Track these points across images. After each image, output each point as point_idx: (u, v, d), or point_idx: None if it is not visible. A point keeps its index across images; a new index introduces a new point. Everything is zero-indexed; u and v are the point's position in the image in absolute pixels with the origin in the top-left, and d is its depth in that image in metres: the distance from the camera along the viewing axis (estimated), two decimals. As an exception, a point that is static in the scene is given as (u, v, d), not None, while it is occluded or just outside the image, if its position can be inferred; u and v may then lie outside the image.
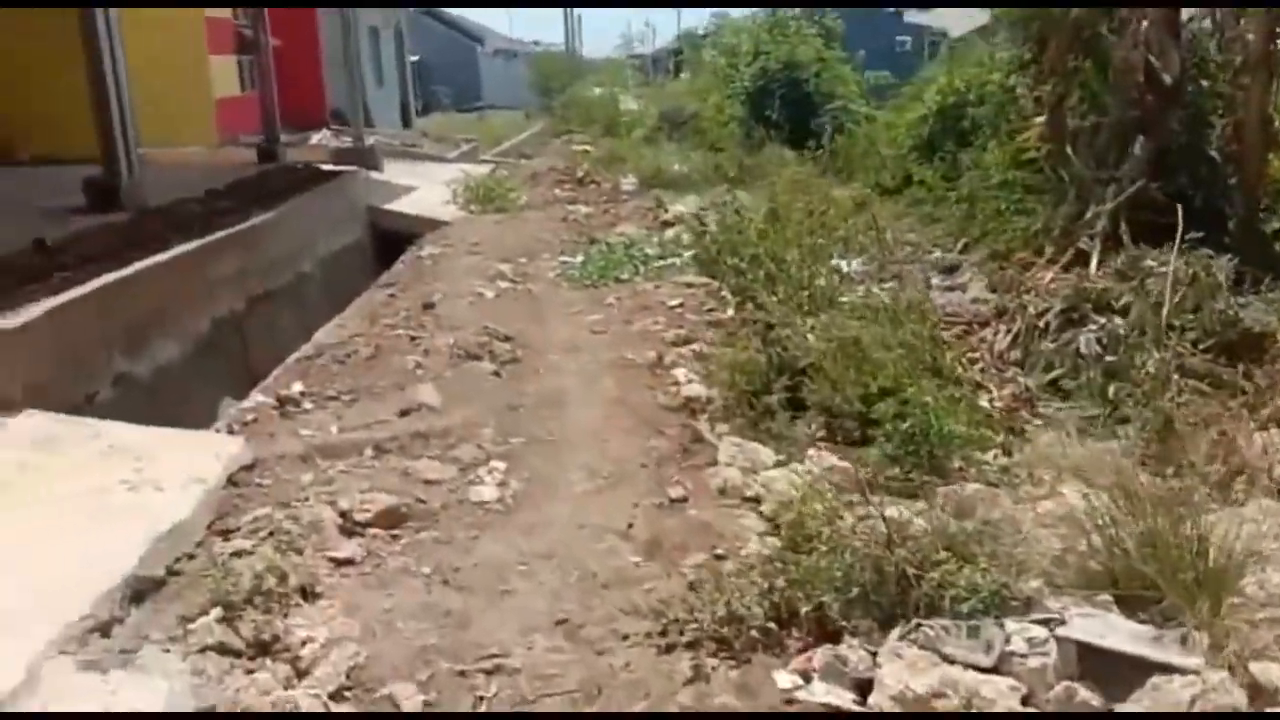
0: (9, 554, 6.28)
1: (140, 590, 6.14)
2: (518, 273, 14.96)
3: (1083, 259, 11.60)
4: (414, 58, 47.67)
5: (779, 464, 8.18)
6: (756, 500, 7.68)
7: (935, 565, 5.58)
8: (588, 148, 28.16)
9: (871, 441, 8.42)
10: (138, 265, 10.18)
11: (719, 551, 6.90)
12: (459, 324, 12.03)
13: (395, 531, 7.30)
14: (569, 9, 57.56)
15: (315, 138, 26.37)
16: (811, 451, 8.25)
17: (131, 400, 9.63)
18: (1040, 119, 13.87)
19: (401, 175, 22.31)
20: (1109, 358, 8.93)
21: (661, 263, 15.46)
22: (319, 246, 15.60)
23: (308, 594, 6.39)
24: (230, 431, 8.91)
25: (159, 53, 23.34)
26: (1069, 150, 12.68)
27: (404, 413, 9.20)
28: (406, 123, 36.62)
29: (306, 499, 7.52)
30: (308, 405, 9.51)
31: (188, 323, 10.96)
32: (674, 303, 13.17)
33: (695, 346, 11.28)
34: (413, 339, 11.00)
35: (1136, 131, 11.98)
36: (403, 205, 19.46)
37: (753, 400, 9.16)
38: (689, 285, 14.10)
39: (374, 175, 21.14)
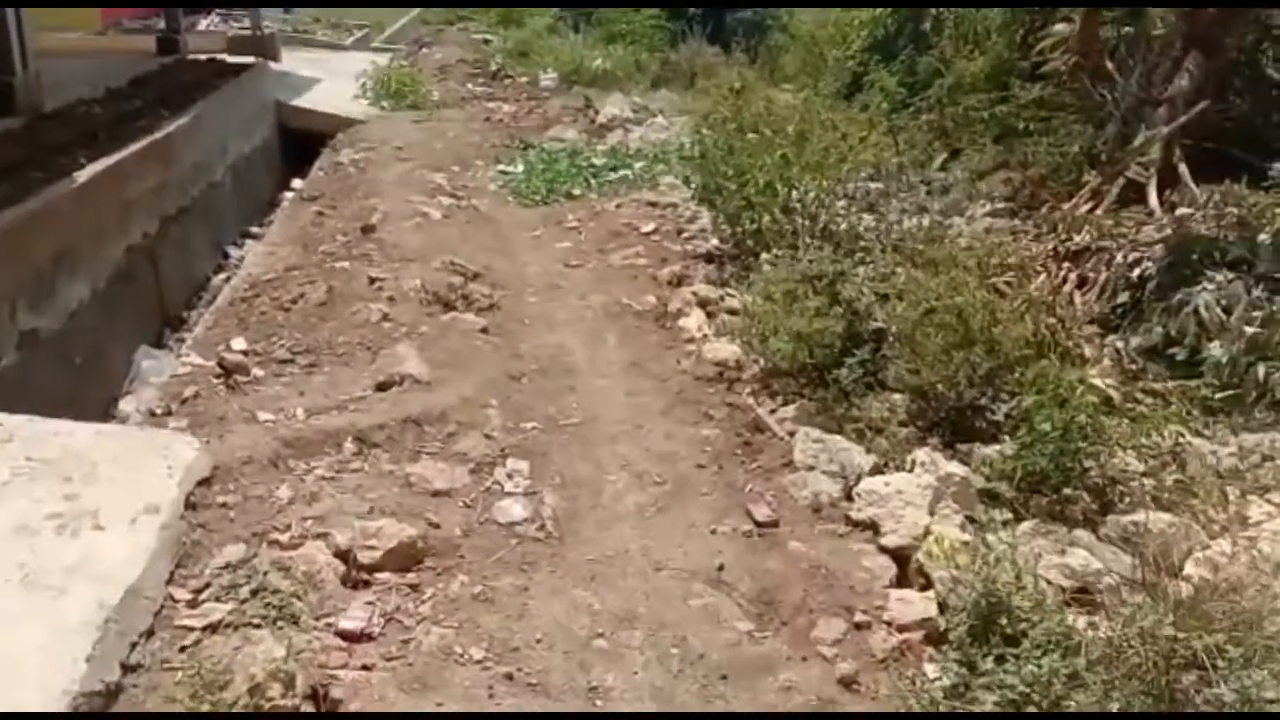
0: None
1: (90, 712, 4.01)
2: (456, 185, 12.66)
3: (1132, 193, 9.72)
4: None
5: (877, 469, 6.26)
6: (871, 527, 5.76)
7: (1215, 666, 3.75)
8: (489, 37, 25.46)
9: (978, 434, 6.54)
10: (48, 194, 7.75)
11: (859, 618, 5.02)
12: (409, 253, 9.83)
13: (413, 578, 5.26)
14: None
15: (203, 23, 23.20)
16: (920, 454, 6.27)
17: (40, 362, 7.37)
18: (1059, 26, 11.86)
19: (301, 66, 19.54)
20: (1249, 328, 7.02)
21: (613, 175, 13.31)
22: (230, 151, 13.08)
23: (322, 701, 4.32)
24: (168, 412, 6.69)
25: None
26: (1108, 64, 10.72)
27: (382, 386, 7.08)
28: (287, 6, 33.26)
29: (289, 528, 5.40)
30: (258, 372, 7.31)
31: (100, 255, 8.62)
32: (647, 228, 11.11)
33: (695, 289, 9.24)
34: (373, 282, 8.72)
35: (1190, 46, 10.05)
36: (311, 101, 16.80)
37: (815, 372, 7.15)
38: (652, 204, 12.02)
39: (273, 66, 18.42)
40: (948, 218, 10.99)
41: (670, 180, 13.01)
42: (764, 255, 9.81)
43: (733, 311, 8.88)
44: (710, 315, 8.87)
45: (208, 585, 4.86)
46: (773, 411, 7.08)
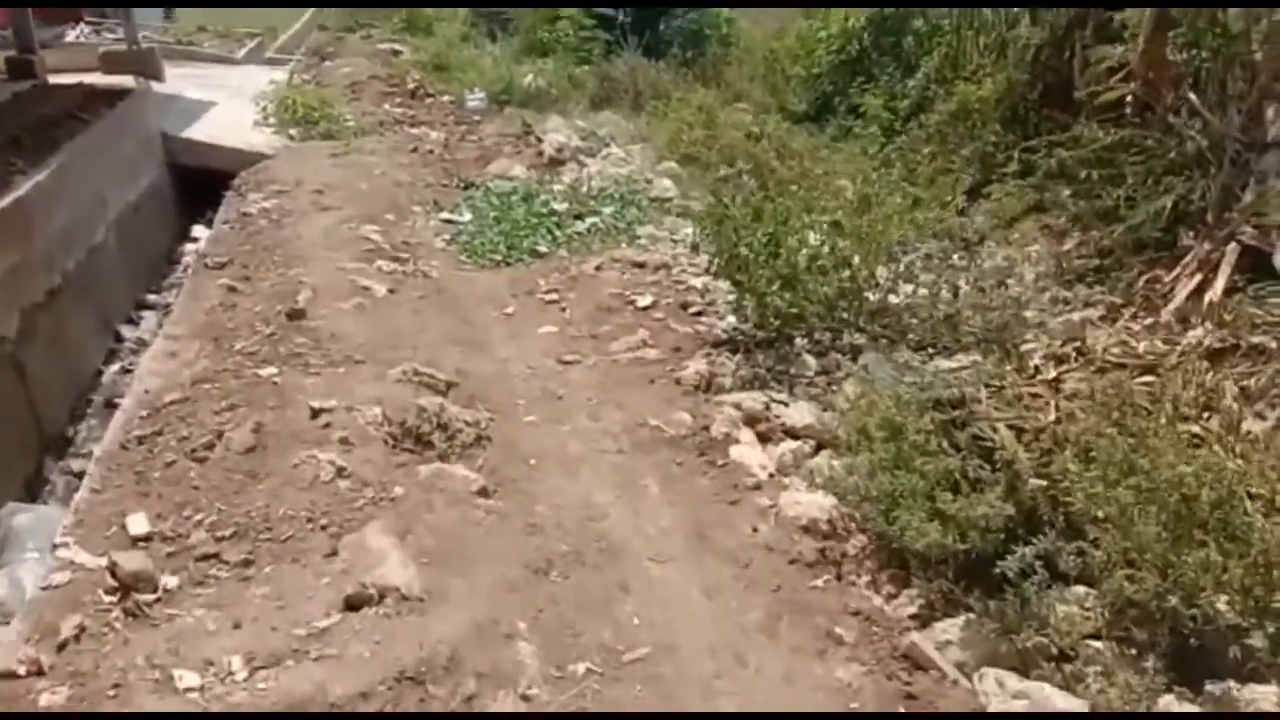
0: None
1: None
2: (395, 243, 10.34)
3: (1248, 261, 7.80)
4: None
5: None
6: None
7: None
8: (398, 48, 22.89)
9: (1226, 665, 4.52)
10: None
11: None
12: (354, 350, 7.58)
13: None
14: None
15: (71, 35, 20.27)
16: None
17: None
18: (1106, 47, 9.94)
19: (188, 85, 16.95)
20: None
21: (581, 225, 11.11)
22: (111, 203, 10.44)
23: None
24: (38, 671, 4.40)
25: None
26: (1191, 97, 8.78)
27: (354, 603, 4.79)
28: (168, 12, 30.36)
29: None
30: (169, 580, 5.01)
31: None
32: (644, 301, 8.96)
33: (735, 398, 7.12)
34: (316, 415, 6.36)
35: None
36: (205, 132, 14.15)
37: (968, 557, 5.07)
38: (639, 265, 9.89)
39: (155, 87, 15.78)
40: (1000, 284, 9.02)
41: (650, 231, 10.93)
42: (800, 341, 7.91)
43: (793, 434, 6.82)
44: (764, 438, 6.79)
45: None
46: (918, 621, 4.97)
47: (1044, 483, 5.26)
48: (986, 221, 11.28)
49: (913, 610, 5.08)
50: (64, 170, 8.97)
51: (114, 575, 4.87)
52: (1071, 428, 5.51)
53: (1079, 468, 5.12)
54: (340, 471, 5.78)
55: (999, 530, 5.03)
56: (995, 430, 5.52)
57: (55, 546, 5.25)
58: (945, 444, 5.44)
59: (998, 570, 4.92)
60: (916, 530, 5.10)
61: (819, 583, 5.25)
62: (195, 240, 12.45)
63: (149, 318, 10.19)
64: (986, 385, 6.28)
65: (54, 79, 14.05)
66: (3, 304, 7.30)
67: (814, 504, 5.82)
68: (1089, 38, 11.17)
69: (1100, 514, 4.86)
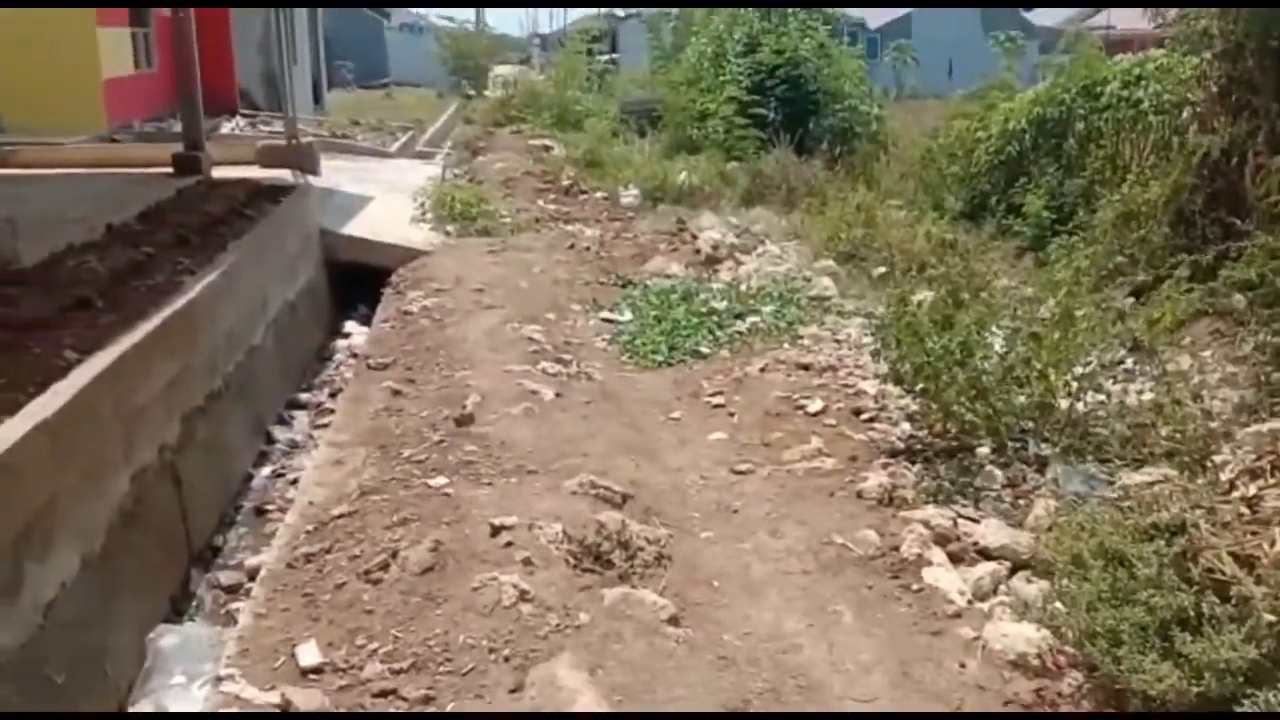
0: None
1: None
2: (558, 343, 10.11)
3: None
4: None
5: None
6: None
7: None
8: (548, 144, 23.05)
9: None
10: (7, 433, 5.08)
11: None
12: (526, 459, 7.28)
13: None
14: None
15: (226, 127, 20.62)
16: None
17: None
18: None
19: (343, 178, 17.09)
20: None
21: (741, 324, 10.80)
22: (271, 304, 10.33)
23: None
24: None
25: (34, 25, 17.99)
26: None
27: (544, 748, 4.39)
28: (319, 103, 31.08)
29: None
30: (346, 724, 4.62)
31: (95, 503, 5.89)
32: (814, 406, 8.55)
33: (924, 515, 6.64)
34: (496, 533, 6.02)
35: None
36: (363, 227, 14.15)
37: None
38: (804, 367, 9.49)
39: (313, 180, 15.90)
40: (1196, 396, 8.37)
41: (813, 331, 10.54)
42: (982, 451, 7.42)
43: (986, 554, 6.32)
44: (955, 558, 6.29)
45: None
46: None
47: (1276, 619, 4.70)
48: (1157, 325, 10.71)
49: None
50: (231, 271, 8.87)
51: (284, 711, 4.54)
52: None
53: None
54: (523, 595, 5.42)
55: (1237, 673, 4.49)
56: (1223, 561, 4.97)
57: (220, 679, 4.95)
58: (1175, 576, 4.90)
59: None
60: (1150, 673, 4.57)
61: (1039, 734, 4.74)
62: (347, 336, 12.39)
63: (300, 418, 9.99)
64: (1198, 507, 5.72)
65: (216, 174, 14.19)
66: (166, 408, 7.10)
67: (1021, 637, 5.33)
68: (1261, 145, 10.65)
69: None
